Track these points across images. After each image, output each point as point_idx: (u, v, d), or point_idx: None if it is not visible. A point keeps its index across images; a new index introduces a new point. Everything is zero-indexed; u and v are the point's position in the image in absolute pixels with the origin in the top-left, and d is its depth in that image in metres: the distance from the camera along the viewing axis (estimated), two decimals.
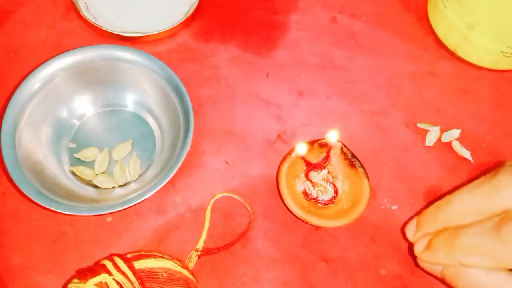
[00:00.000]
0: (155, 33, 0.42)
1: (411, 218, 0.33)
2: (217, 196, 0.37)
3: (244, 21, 0.45)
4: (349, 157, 0.36)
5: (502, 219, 0.26)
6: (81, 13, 0.43)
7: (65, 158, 0.38)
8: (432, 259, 0.30)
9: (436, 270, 0.31)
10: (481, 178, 0.29)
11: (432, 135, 0.40)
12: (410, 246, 0.36)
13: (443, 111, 0.41)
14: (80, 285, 0.30)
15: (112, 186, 0.37)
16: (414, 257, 0.36)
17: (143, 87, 0.39)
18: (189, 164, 0.38)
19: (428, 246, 0.30)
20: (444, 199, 0.30)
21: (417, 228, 0.32)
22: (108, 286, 0.29)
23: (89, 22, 0.42)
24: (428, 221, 0.31)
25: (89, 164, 0.38)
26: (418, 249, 0.31)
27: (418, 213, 0.33)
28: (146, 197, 0.33)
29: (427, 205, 0.33)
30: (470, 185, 0.29)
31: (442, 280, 0.31)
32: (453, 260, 0.28)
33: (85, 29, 0.43)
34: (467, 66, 0.43)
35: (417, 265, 0.33)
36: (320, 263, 0.35)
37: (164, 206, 0.37)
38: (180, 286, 0.31)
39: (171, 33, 0.43)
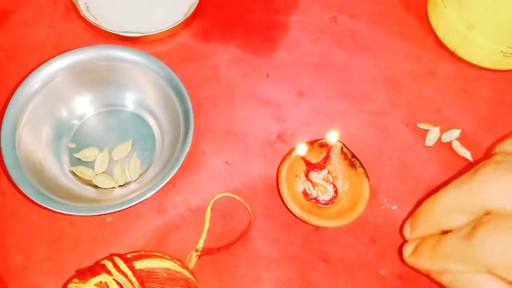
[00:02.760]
0: (155, 33, 0.42)
1: (407, 218, 0.33)
2: (217, 196, 0.37)
3: (244, 21, 0.45)
4: (349, 157, 0.36)
5: (475, 225, 0.26)
6: (81, 13, 0.43)
7: (65, 158, 0.38)
8: (418, 264, 0.30)
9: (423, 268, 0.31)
10: (465, 175, 0.28)
11: (432, 135, 0.40)
12: None
13: (443, 111, 0.41)
14: (80, 285, 0.30)
15: (112, 186, 0.37)
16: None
17: (143, 87, 0.39)
18: (189, 164, 0.38)
19: (414, 252, 0.31)
20: (431, 198, 0.30)
21: (411, 229, 0.32)
22: (108, 286, 0.29)
23: (89, 22, 0.42)
24: (419, 222, 0.31)
25: (89, 164, 0.38)
26: (405, 254, 0.32)
27: (411, 213, 0.33)
28: (146, 197, 0.33)
29: (418, 204, 0.33)
30: (454, 182, 0.29)
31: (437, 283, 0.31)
32: (436, 266, 0.29)
33: (85, 29, 0.43)
34: (467, 66, 0.43)
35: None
36: (320, 263, 0.35)
37: (164, 206, 0.37)
38: (180, 286, 0.31)
39: (171, 33, 0.43)
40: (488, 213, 0.26)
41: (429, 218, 0.30)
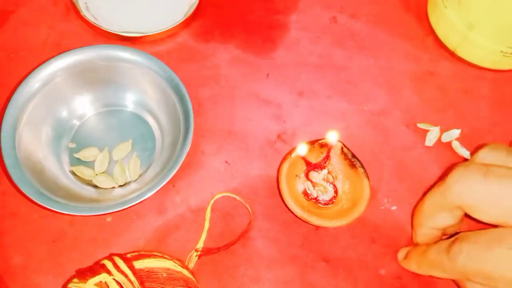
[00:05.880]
0: (155, 33, 0.42)
1: (407, 218, 0.34)
2: (217, 196, 0.37)
3: (244, 21, 0.45)
4: (349, 157, 0.36)
5: (454, 240, 0.29)
6: (81, 13, 0.43)
7: (65, 158, 0.38)
8: (408, 267, 0.34)
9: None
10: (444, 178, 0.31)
11: (432, 135, 0.40)
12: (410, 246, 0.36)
13: (443, 111, 0.41)
14: (80, 285, 0.30)
15: (112, 186, 0.37)
16: None
17: (143, 87, 0.39)
18: (189, 164, 0.38)
19: (406, 256, 0.35)
20: (421, 200, 0.34)
21: (413, 233, 0.35)
22: (108, 286, 0.29)
23: (89, 22, 0.42)
24: (414, 223, 0.35)
25: (89, 164, 0.38)
26: (399, 257, 0.35)
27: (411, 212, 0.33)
28: (146, 197, 0.33)
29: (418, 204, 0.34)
30: (436, 184, 0.32)
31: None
32: (422, 272, 0.33)
33: (85, 29, 0.43)
34: (467, 66, 0.43)
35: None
36: (320, 263, 0.35)
37: (164, 206, 0.37)
38: (180, 286, 0.31)
39: (171, 33, 0.43)
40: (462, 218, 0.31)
41: (421, 218, 0.33)
